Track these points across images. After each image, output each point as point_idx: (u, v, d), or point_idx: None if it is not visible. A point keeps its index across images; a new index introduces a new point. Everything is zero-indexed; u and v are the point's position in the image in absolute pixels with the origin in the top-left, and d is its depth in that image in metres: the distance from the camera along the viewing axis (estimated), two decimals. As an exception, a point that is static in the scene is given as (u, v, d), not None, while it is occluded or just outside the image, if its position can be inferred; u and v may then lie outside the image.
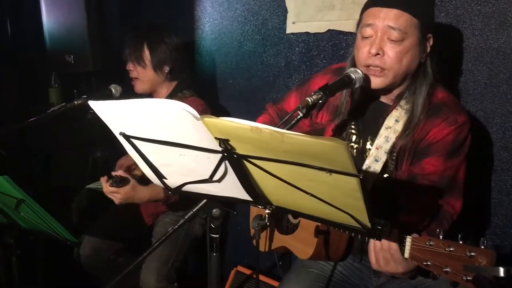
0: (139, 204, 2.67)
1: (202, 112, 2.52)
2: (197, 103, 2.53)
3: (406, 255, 1.41)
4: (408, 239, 1.41)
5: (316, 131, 1.92)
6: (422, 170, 1.68)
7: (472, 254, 1.25)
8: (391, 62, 1.63)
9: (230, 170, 1.28)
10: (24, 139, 3.52)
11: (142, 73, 2.53)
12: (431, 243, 1.34)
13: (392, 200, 1.72)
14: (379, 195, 1.69)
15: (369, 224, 1.22)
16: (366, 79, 1.68)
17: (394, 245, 1.45)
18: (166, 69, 2.54)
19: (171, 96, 2.59)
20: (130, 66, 2.54)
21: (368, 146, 1.78)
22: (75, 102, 2.23)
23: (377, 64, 1.64)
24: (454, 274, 1.29)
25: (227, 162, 1.25)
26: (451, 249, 1.29)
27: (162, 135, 1.26)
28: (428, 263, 1.34)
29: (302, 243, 1.81)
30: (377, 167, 1.72)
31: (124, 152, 1.40)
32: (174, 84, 2.60)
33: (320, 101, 1.54)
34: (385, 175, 1.75)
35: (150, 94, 2.62)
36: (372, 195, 1.65)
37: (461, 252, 1.27)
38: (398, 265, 1.47)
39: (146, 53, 2.51)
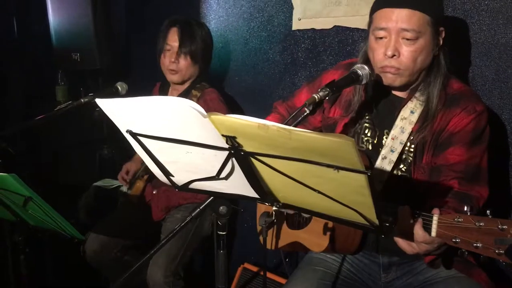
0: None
1: (220, 102, 2.63)
2: (216, 95, 2.66)
3: (433, 233, 1.41)
4: (435, 218, 1.41)
5: (327, 126, 1.92)
6: (446, 160, 1.68)
7: (504, 227, 1.25)
8: (407, 62, 1.64)
9: (237, 167, 1.27)
10: (32, 137, 3.53)
11: (187, 67, 2.63)
12: (459, 219, 1.34)
13: (411, 191, 1.72)
14: (397, 187, 1.71)
15: (377, 221, 1.22)
16: (380, 76, 1.69)
17: (420, 232, 1.45)
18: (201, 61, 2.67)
19: (193, 85, 2.69)
20: (173, 59, 2.60)
21: (384, 139, 1.78)
22: (82, 100, 2.23)
23: (393, 65, 1.65)
24: (485, 249, 1.28)
25: (234, 159, 1.25)
26: (481, 224, 1.29)
27: (169, 132, 1.26)
28: (457, 239, 1.34)
29: (316, 236, 1.81)
30: (393, 158, 1.72)
31: (131, 151, 1.40)
32: (196, 74, 2.69)
33: (327, 98, 1.55)
34: (403, 167, 1.75)
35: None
36: (389, 186, 1.69)
37: (492, 226, 1.27)
38: (430, 244, 1.47)
39: (199, 47, 2.61)
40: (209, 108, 2.54)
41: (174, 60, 2.59)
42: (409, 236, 1.49)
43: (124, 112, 1.28)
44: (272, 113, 2.14)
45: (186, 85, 2.70)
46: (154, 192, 2.73)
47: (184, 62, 2.61)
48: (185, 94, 2.67)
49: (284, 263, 2.27)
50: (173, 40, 2.60)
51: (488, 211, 1.31)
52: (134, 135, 1.31)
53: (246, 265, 2.67)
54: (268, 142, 1.12)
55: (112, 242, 2.62)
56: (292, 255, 2.51)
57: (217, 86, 2.86)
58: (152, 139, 1.30)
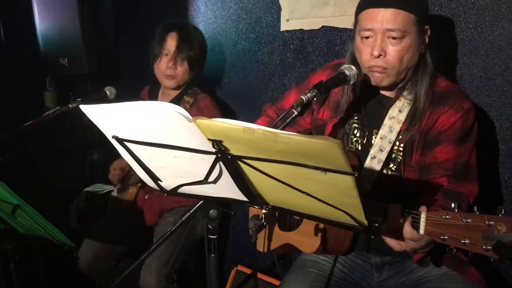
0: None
1: (214, 108, 2.60)
2: (209, 101, 2.64)
3: (422, 231, 1.42)
4: (423, 215, 1.41)
5: (317, 127, 1.92)
6: (435, 159, 1.69)
7: (491, 222, 1.26)
8: (393, 62, 1.65)
9: (225, 171, 1.27)
10: (21, 143, 3.50)
11: (184, 72, 2.60)
12: (447, 216, 1.34)
13: (401, 190, 1.73)
14: (387, 186, 1.72)
15: (366, 222, 1.21)
16: (367, 76, 1.70)
17: (408, 229, 1.46)
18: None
19: (185, 91, 2.67)
20: (171, 64, 2.57)
21: (373, 139, 1.78)
22: (70, 106, 2.22)
23: (379, 65, 1.66)
24: (473, 245, 1.29)
25: (221, 163, 1.24)
26: (469, 220, 1.30)
27: (156, 137, 1.25)
28: (445, 237, 1.35)
29: (307, 237, 1.80)
30: (382, 157, 1.73)
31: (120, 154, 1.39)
32: (190, 80, 2.67)
33: (315, 99, 1.55)
34: (393, 167, 1.75)
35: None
36: (379, 185, 1.70)
37: (479, 222, 1.28)
38: (417, 242, 1.48)
39: (197, 53, 2.60)
40: (203, 116, 2.52)
41: (172, 66, 2.56)
42: (398, 234, 1.49)
43: (109, 117, 1.28)
44: (262, 116, 2.14)
45: (179, 90, 2.68)
46: (146, 197, 2.71)
47: (181, 68, 2.58)
48: (177, 100, 2.64)
49: (277, 265, 2.27)
50: (171, 45, 2.56)
51: (475, 208, 1.32)
52: (121, 141, 1.31)
53: (240, 268, 2.66)
54: (255, 145, 1.12)
55: (106, 251, 2.59)
56: (285, 256, 2.50)
57: (207, 89, 2.84)
58: (139, 144, 1.30)
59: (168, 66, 2.56)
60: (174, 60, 2.55)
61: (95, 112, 1.27)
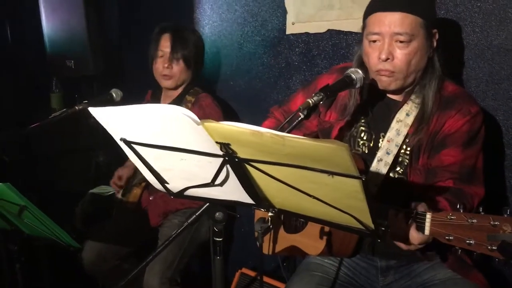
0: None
1: (215, 106, 2.62)
2: (210, 100, 2.65)
3: (427, 232, 1.42)
4: (428, 216, 1.41)
5: (324, 130, 1.92)
6: (441, 162, 1.69)
7: (496, 223, 1.26)
8: (401, 65, 1.65)
9: (232, 174, 1.27)
10: (27, 144, 3.52)
11: (181, 72, 2.62)
12: (452, 217, 1.34)
13: (407, 193, 1.72)
14: (393, 189, 1.72)
15: (372, 225, 1.21)
16: (375, 80, 1.71)
17: (415, 235, 1.46)
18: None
19: (186, 91, 2.68)
20: (166, 64, 2.59)
21: (380, 142, 1.78)
22: (76, 108, 2.23)
23: (387, 68, 1.67)
24: (478, 245, 1.29)
25: (228, 166, 1.25)
26: (474, 220, 1.30)
27: (163, 140, 1.26)
28: (450, 237, 1.35)
29: (312, 239, 1.80)
30: (388, 160, 1.73)
31: (126, 157, 1.39)
32: (189, 80, 2.68)
33: (321, 102, 1.55)
34: (400, 170, 1.76)
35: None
36: (385, 188, 1.70)
37: (484, 222, 1.28)
38: (424, 243, 1.49)
39: (192, 52, 2.61)
40: (205, 114, 2.54)
41: (168, 66, 2.59)
42: (404, 238, 1.49)
43: (118, 120, 1.28)
44: (269, 118, 2.15)
45: (179, 90, 2.69)
46: (150, 198, 2.71)
47: (177, 67, 2.60)
48: (178, 100, 2.65)
49: (282, 268, 2.27)
50: (165, 46, 2.59)
51: (480, 208, 1.33)
52: (128, 143, 1.31)
53: (244, 270, 2.66)
54: (262, 148, 1.12)
55: (109, 251, 2.60)
56: (289, 259, 2.50)
57: (212, 91, 2.85)
58: (146, 147, 1.30)
59: (164, 67, 2.59)
60: (169, 60, 2.58)
61: (103, 115, 1.27)
